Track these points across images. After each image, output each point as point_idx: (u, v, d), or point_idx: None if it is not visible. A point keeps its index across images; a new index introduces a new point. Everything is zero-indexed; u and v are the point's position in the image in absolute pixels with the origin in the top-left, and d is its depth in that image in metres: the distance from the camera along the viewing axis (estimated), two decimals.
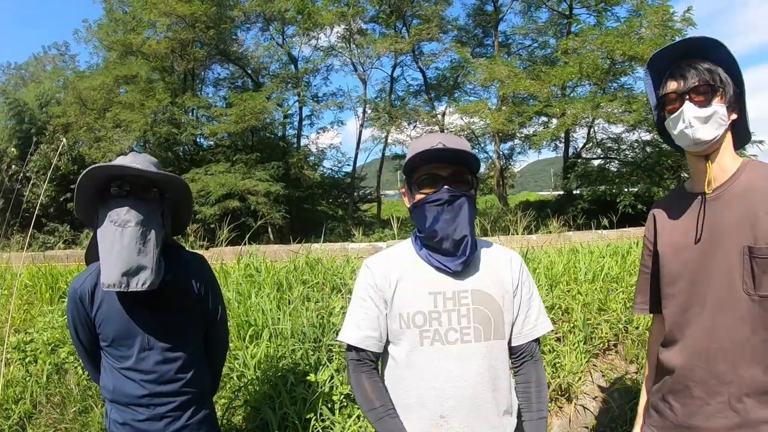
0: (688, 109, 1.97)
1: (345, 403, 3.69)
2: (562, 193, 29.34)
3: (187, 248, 2.70)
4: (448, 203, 1.97)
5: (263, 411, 3.66)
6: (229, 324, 4.22)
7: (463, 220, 1.99)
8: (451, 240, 1.97)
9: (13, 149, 24.66)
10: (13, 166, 25.15)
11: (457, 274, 2.03)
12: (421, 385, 2.01)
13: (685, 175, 19.29)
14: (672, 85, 2.06)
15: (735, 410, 1.95)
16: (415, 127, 29.65)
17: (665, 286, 2.18)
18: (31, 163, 24.80)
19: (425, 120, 28.52)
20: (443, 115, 29.69)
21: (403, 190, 2.18)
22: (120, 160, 2.29)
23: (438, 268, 2.04)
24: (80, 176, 2.15)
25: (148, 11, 26.02)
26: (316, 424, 3.57)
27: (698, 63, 2.02)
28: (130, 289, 2.15)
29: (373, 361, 2.12)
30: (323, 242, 6.51)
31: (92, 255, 2.36)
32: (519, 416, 2.16)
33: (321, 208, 30.54)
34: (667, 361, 2.16)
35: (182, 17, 25.71)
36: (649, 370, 2.40)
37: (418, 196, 2.04)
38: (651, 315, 2.43)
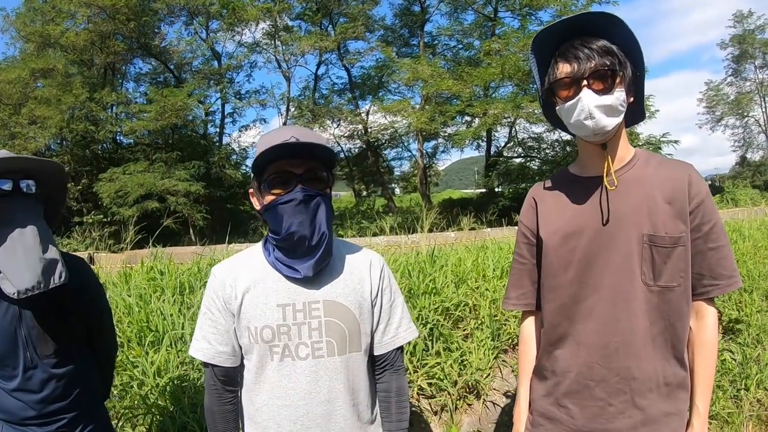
0: (588, 97, 1.78)
1: None
2: (484, 190, 29.88)
3: (76, 251, 2.51)
4: (303, 204, 1.80)
5: (163, 420, 3.51)
6: (130, 330, 4.07)
7: (320, 221, 1.82)
8: (307, 243, 1.81)
9: None
10: None
11: (310, 283, 1.88)
12: (273, 403, 1.88)
13: None
14: (565, 68, 1.84)
15: (639, 407, 1.88)
16: (338, 125, 29.75)
17: (550, 277, 2.02)
18: None
19: (349, 118, 28.69)
20: (367, 113, 29.95)
21: (251, 190, 1.98)
22: None
23: (288, 277, 1.88)
24: None
25: (67, 1, 25.12)
26: None
27: (593, 41, 1.82)
28: (50, 287, 2.01)
29: (227, 379, 1.97)
30: (246, 242, 6.35)
31: None
32: None
33: (244, 207, 29.97)
34: (559, 361, 2.01)
35: (103, 8, 24.89)
36: (525, 375, 2.21)
37: (269, 197, 1.84)
38: (520, 313, 2.30)
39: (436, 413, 4.03)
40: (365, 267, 2.01)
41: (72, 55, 26.72)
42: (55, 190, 2.30)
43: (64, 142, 27.49)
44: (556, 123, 2.08)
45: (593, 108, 1.77)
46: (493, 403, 4.20)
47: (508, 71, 22.16)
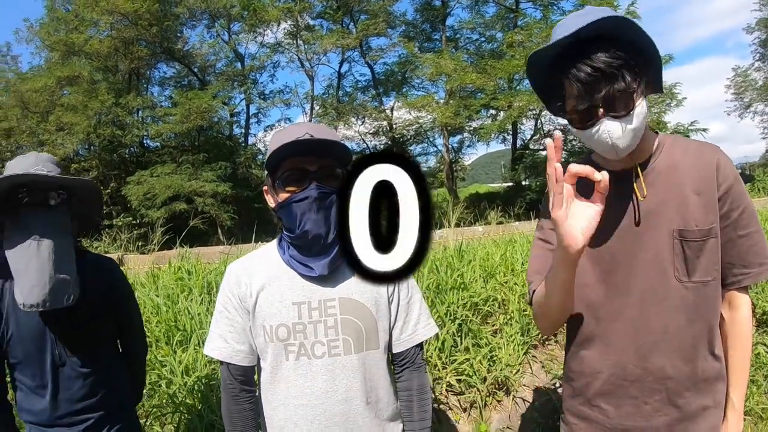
0: (608, 128, 1.63)
1: None
2: (511, 184, 29.64)
3: (107, 253, 2.50)
4: (318, 201, 1.78)
5: (191, 418, 3.52)
6: (158, 330, 4.09)
7: (335, 220, 1.80)
8: (323, 241, 1.80)
9: None
10: None
11: (325, 280, 1.86)
12: (290, 403, 1.86)
13: None
14: (572, 92, 1.67)
15: (676, 405, 1.81)
16: (363, 122, 29.69)
17: (576, 276, 1.81)
18: None
19: (373, 115, 28.56)
20: (391, 110, 29.80)
21: (266, 187, 1.95)
22: (21, 164, 2.12)
23: (303, 275, 1.86)
24: None
25: (90, 9, 25.51)
26: None
27: (598, 55, 1.59)
28: (54, 307, 1.98)
29: (244, 378, 1.94)
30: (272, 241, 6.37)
31: None
32: None
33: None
34: (586, 362, 1.92)
35: (125, 15, 25.26)
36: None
37: (283, 195, 1.82)
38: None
39: (465, 410, 3.98)
40: None
41: (97, 62, 27.15)
42: (88, 206, 2.29)
43: (91, 148, 27.99)
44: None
45: (615, 140, 1.64)
46: (523, 400, 4.13)
47: None
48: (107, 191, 25.26)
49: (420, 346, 2.05)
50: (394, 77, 30.11)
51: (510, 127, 26.77)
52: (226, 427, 1.96)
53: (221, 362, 1.94)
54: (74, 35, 26.60)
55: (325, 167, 1.81)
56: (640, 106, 1.65)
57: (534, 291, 1.96)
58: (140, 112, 28.19)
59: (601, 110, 1.63)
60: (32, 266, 1.95)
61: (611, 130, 1.63)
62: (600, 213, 1.60)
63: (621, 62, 1.59)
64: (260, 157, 30.35)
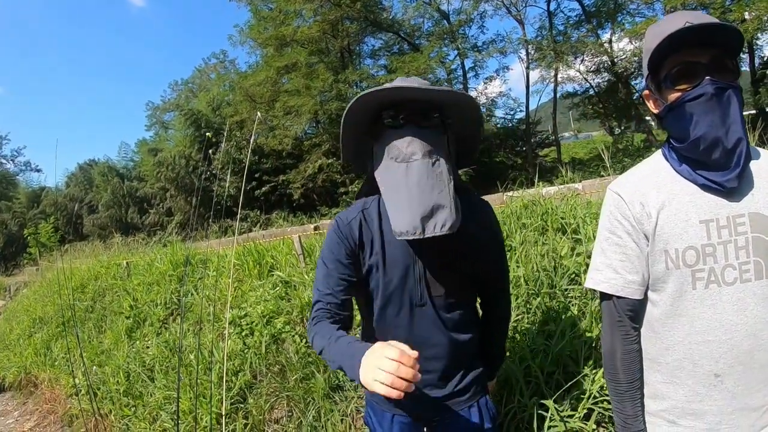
0: None
1: (590, 353, 3.25)
2: (753, 112, 26.30)
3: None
4: (716, 98, 1.51)
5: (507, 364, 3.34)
6: None
7: (735, 119, 1.51)
8: (722, 147, 1.51)
9: (209, 134, 27.07)
10: (200, 167, 27.89)
11: (731, 193, 1.57)
12: (691, 339, 1.61)
13: None
14: None
15: None
16: (582, 61, 28.28)
17: None
18: (215, 161, 27.21)
19: (592, 51, 26.98)
20: (610, 42, 27.89)
21: (647, 92, 1.72)
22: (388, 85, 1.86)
23: (705, 187, 1.59)
24: (345, 111, 1.80)
25: (291, 2, 27.37)
26: (559, 377, 3.18)
27: None
28: (426, 235, 1.76)
29: (633, 314, 1.73)
30: (506, 192, 6.24)
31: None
32: None
33: (499, 159, 30.16)
34: None
35: None
36: None
37: (673, 95, 1.59)
38: None
39: None
40: None
41: (309, 47, 29.00)
42: (462, 126, 2.01)
43: (319, 124, 30.13)
44: None
45: None
46: None
47: None
48: (339, 162, 27.18)
49: None
50: (605, 6, 27.88)
51: (745, 44, 23.63)
52: (607, 370, 1.79)
53: (607, 296, 1.75)
54: (283, 28, 28.73)
55: (716, 58, 1.54)
56: None
57: None
58: (359, 84, 29.52)
59: None
60: (402, 192, 1.78)
61: None
62: None
63: None
64: (482, 110, 30.51)
